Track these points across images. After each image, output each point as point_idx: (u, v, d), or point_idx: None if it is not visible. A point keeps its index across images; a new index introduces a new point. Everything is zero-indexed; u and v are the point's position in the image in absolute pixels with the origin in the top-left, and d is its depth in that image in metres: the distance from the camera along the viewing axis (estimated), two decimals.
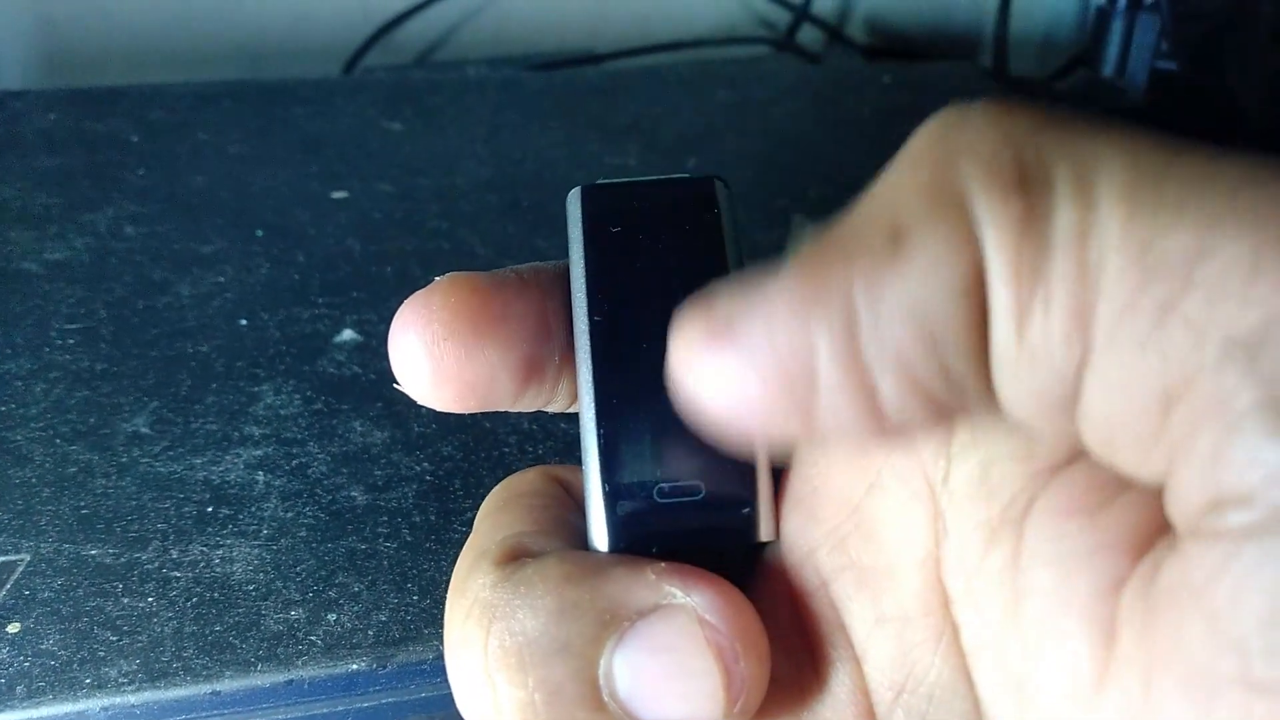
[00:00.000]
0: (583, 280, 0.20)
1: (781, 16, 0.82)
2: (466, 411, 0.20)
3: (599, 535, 0.19)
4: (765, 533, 0.19)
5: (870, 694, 0.19)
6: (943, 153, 0.14)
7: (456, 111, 0.59)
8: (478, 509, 0.33)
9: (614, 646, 0.17)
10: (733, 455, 0.19)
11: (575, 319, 0.20)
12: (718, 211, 0.21)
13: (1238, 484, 0.12)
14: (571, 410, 0.21)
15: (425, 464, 0.34)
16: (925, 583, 0.18)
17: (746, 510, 0.19)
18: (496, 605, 0.18)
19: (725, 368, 0.15)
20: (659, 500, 0.19)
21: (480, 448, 0.35)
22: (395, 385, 0.20)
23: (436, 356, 0.19)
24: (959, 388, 0.14)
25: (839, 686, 0.19)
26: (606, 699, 0.17)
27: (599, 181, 0.21)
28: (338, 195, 0.50)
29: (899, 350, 0.14)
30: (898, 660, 0.19)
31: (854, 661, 0.19)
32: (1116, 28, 0.66)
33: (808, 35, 0.82)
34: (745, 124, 0.60)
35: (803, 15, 0.81)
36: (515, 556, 0.19)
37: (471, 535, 0.20)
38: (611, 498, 0.19)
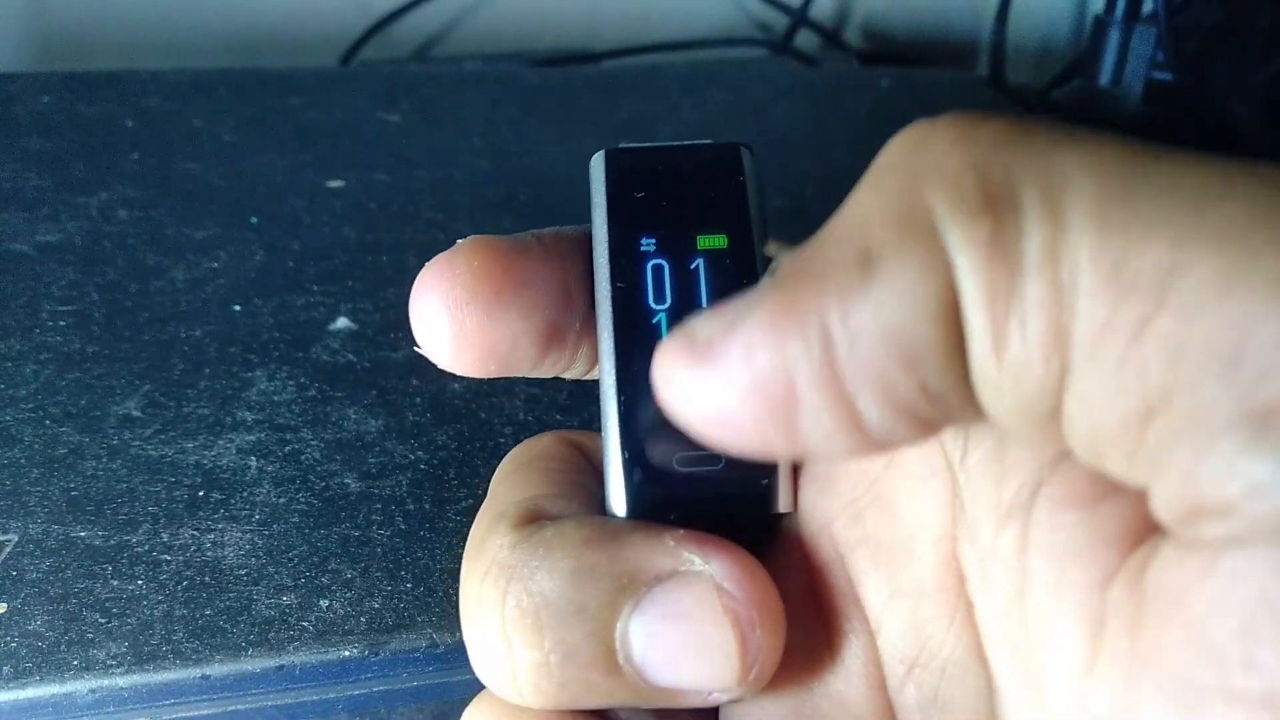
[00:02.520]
0: (605, 245, 0.20)
1: (778, 20, 0.82)
2: (486, 376, 0.20)
3: (617, 501, 0.19)
4: (784, 504, 0.19)
5: (883, 667, 0.19)
6: (909, 173, 0.14)
7: (454, 105, 0.59)
8: (472, 498, 0.33)
9: (631, 611, 0.17)
10: None
11: (597, 283, 0.20)
12: (743, 179, 0.20)
13: (1216, 496, 0.12)
14: (589, 377, 0.21)
15: (420, 452, 0.34)
16: (941, 559, 0.18)
17: (765, 481, 0.19)
18: (515, 566, 0.18)
19: (705, 387, 0.15)
20: (678, 469, 0.19)
21: (475, 437, 0.35)
22: (416, 349, 0.20)
23: (459, 320, 0.19)
24: (941, 403, 0.14)
25: (852, 659, 0.19)
26: (622, 662, 0.17)
27: (622, 145, 0.21)
28: (333, 184, 0.50)
29: (878, 372, 0.14)
30: (911, 635, 0.19)
31: (868, 634, 0.19)
32: (1113, 37, 0.66)
33: (804, 40, 0.82)
34: (742, 124, 0.60)
35: (800, 20, 0.81)
36: (533, 519, 0.19)
37: (488, 498, 0.20)
38: (630, 464, 0.19)
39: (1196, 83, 0.64)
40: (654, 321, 0.19)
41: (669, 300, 0.20)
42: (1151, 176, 0.13)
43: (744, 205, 0.20)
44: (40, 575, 0.29)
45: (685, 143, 0.21)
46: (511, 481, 0.21)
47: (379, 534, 0.31)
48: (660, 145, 0.21)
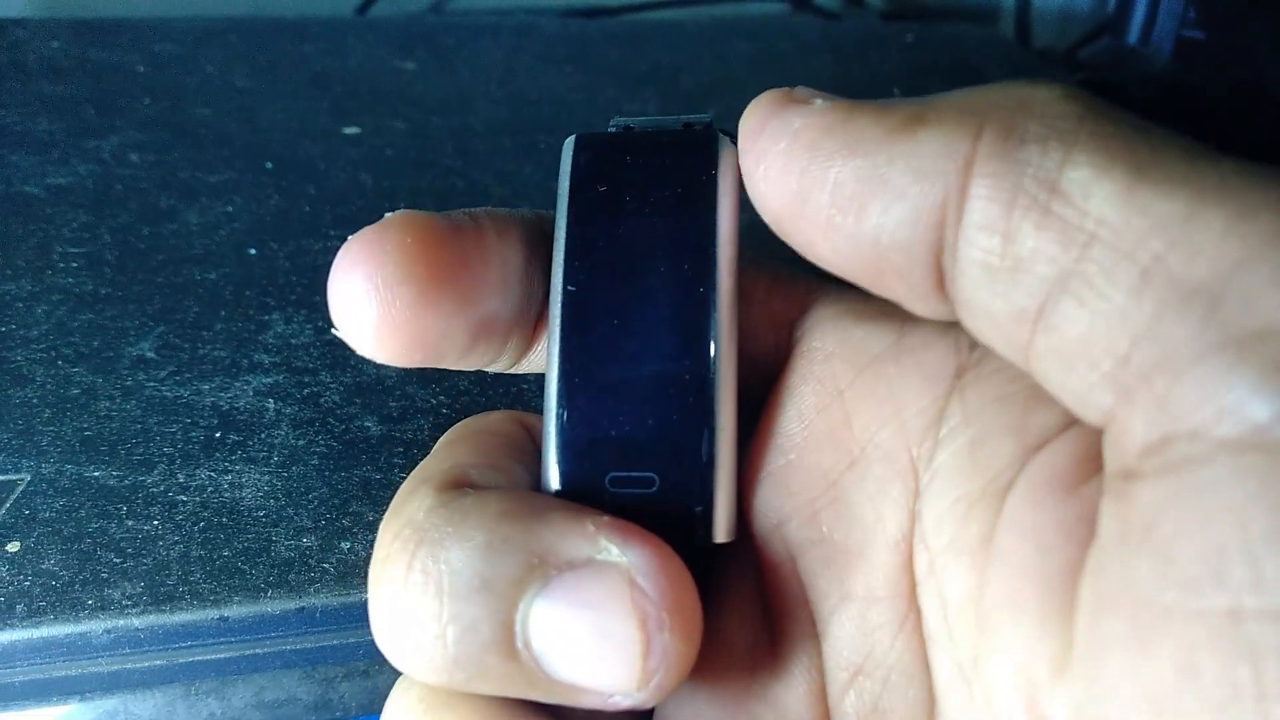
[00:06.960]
0: (563, 244, 0.19)
1: None
2: (406, 366, 0.18)
3: None
4: (722, 532, 0.18)
5: (826, 673, 0.18)
6: (1014, 101, 0.15)
7: (471, 53, 0.58)
8: None
9: (536, 593, 0.16)
10: (695, 449, 0.18)
11: (553, 282, 0.19)
12: (715, 173, 0.19)
13: (1188, 419, 0.13)
14: (516, 370, 0.20)
15: (441, 397, 0.33)
16: (896, 564, 0.18)
17: (700, 508, 0.18)
18: (427, 530, 0.16)
19: (788, 126, 0.17)
20: (611, 488, 0.18)
21: (498, 382, 0.34)
22: (333, 330, 0.18)
23: (387, 302, 0.17)
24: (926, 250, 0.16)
25: (795, 663, 0.19)
26: (520, 647, 0.16)
27: (591, 132, 0.20)
28: (349, 131, 0.49)
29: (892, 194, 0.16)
30: (858, 641, 0.18)
31: (813, 639, 0.19)
32: None
33: None
34: (765, 77, 0.58)
35: None
36: (458, 485, 0.18)
37: (423, 461, 0.19)
38: (563, 482, 0.18)
39: (1228, 41, 0.63)
40: (603, 330, 0.18)
41: (622, 306, 0.18)
42: (1191, 153, 0.14)
43: (711, 203, 0.19)
44: (54, 515, 0.28)
45: (663, 125, 0.20)
46: (448, 449, 0.19)
47: (401, 477, 0.30)
48: (635, 130, 0.20)
